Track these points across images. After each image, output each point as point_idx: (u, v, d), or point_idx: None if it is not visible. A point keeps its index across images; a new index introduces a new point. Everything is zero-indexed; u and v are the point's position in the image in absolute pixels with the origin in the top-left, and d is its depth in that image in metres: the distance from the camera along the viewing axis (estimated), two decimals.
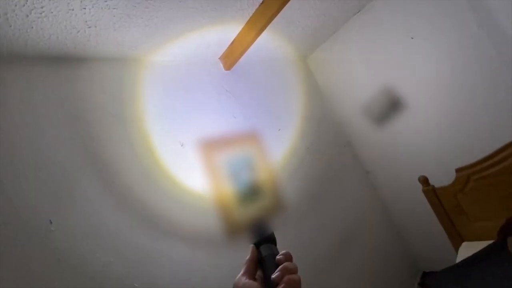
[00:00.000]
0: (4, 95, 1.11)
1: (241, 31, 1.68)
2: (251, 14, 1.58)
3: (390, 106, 2.23)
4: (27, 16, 1.02)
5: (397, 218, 2.46)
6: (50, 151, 1.14)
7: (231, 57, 1.85)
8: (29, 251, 0.97)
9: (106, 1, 1.10)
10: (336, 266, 1.87)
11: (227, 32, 1.67)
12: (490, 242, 1.48)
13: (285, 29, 1.95)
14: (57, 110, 1.22)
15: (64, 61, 1.31)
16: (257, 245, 0.53)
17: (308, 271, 1.69)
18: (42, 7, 1.01)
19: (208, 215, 1.45)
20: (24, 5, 0.98)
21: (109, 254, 1.12)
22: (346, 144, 2.52)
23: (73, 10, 1.07)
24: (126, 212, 1.22)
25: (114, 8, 1.15)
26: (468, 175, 1.67)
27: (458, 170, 1.71)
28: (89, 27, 1.20)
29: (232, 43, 1.77)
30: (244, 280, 0.46)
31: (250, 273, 0.48)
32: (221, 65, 1.93)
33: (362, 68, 2.31)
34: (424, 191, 1.83)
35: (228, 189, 1.57)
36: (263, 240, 0.53)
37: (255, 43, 1.71)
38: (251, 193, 1.65)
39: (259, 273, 0.49)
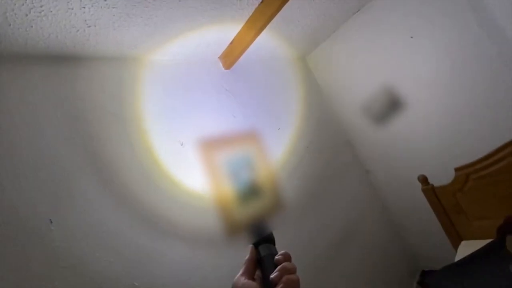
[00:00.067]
0: (4, 95, 1.11)
1: (240, 30, 1.68)
2: (250, 14, 1.58)
3: (390, 105, 2.23)
4: (27, 15, 1.02)
5: (396, 217, 2.47)
6: (50, 151, 1.14)
7: (230, 56, 1.84)
8: (29, 250, 0.97)
9: (105, 0, 1.09)
10: (335, 265, 1.87)
11: (227, 31, 1.66)
12: (489, 241, 1.49)
13: (285, 29, 1.95)
14: (57, 109, 1.22)
15: (64, 60, 1.31)
16: (256, 245, 0.53)
17: (307, 270, 1.69)
18: (41, 6, 1.01)
19: (208, 214, 1.45)
20: (23, 4, 0.97)
21: (109, 254, 1.12)
22: (345, 143, 2.52)
23: (72, 9, 1.07)
24: (126, 211, 1.22)
25: (113, 7, 1.15)
26: (467, 174, 1.68)
27: (457, 169, 1.72)
28: (89, 26, 1.20)
29: (232, 42, 1.77)
30: (243, 280, 0.46)
31: (249, 273, 0.48)
32: (221, 64, 1.93)
33: (361, 67, 2.31)
34: (423, 190, 1.84)
35: (228, 188, 1.57)
36: (262, 240, 0.53)
37: (254, 42, 1.71)
38: (250, 192, 1.66)
39: (258, 273, 0.49)
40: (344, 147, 2.50)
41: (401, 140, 2.25)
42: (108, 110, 1.35)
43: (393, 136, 2.28)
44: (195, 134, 1.59)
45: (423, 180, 1.84)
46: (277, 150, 1.96)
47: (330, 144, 2.39)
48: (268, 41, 1.95)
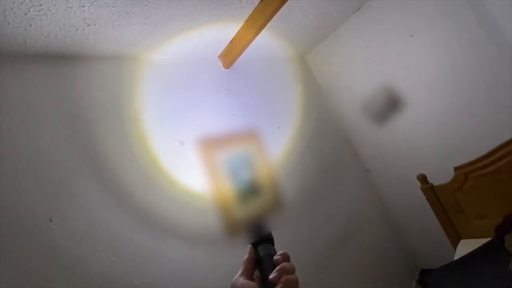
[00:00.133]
0: (3, 94, 1.11)
1: (240, 29, 1.67)
2: (250, 12, 1.58)
3: (389, 104, 2.23)
4: (26, 14, 1.02)
5: (395, 216, 2.48)
6: (49, 150, 1.14)
7: (230, 55, 1.84)
8: (29, 249, 0.98)
9: None
10: (335, 264, 1.87)
11: (226, 30, 1.66)
12: (488, 239, 1.49)
13: (285, 28, 1.95)
14: (56, 108, 1.22)
15: (63, 59, 1.30)
16: (255, 245, 0.53)
17: (307, 269, 1.70)
18: (40, 5, 1.01)
19: (208, 213, 1.45)
20: (22, 3, 0.97)
21: (109, 253, 1.12)
22: (345, 142, 2.52)
23: (71, 8, 1.07)
24: (125, 210, 1.22)
25: (113, 6, 1.15)
26: (467, 173, 1.68)
27: (456, 168, 1.72)
28: (88, 25, 1.19)
29: (232, 41, 1.77)
30: (242, 280, 0.46)
31: (248, 274, 0.48)
32: (220, 64, 1.93)
33: (361, 67, 2.31)
34: (423, 189, 1.84)
35: (227, 188, 1.57)
36: (261, 240, 0.53)
37: (254, 41, 1.71)
38: (250, 191, 1.66)
39: (256, 273, 0.49)
40: (344, 146, 2.50)
41: (400, 139, 2.25)
42: (107, 109, 1.35)
43: (393, 135, 2.28)
44: (194, 133, 1.59)
45: (423, 179, 1.84)
46: (277, 149, 1.96)
47: (330, 143, 2.39)
48: (267, 40, 1.95)
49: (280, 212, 1.77)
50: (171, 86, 1.63)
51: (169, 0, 1.24)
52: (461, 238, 1.76)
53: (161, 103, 1.55)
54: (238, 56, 1.83)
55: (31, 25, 1.08)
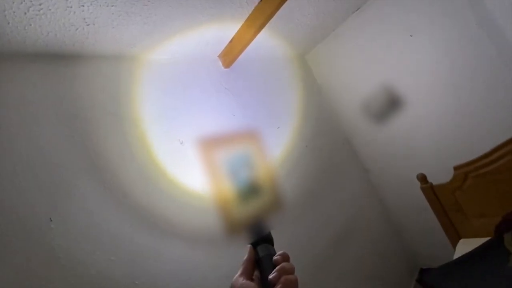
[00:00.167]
0: (2, 93, 1.11)
1: (240, 28, 1.67)
2: (250, 12, 1.57)
3: (389, 104, 2.23)
4: (25, 13, 1.02)
5: (395, 215, 2.48)
6: (49, 149, 1.14)
7: (230, 55, 1.84)
8: (30, 249, 0.98)
9: None
10: (334, 264, 1.88)
11: (226, 29, 1.66)
12: (487, 239, 1.49)
13: (284, 27, 1.95)
14: (56, 107, 1.22)
15: (63, 59, 1.30)
16: (254, 245, 0.53)
17: (306, 269, 1.70)
18: (40, 4, 1.01)
19: (207, 213, 1.45)
20: (22, 3, 0.97)
21: (109, 252, 1.12)
22: (344, 142, 2.52)
23: (71, 7, 1.07)
24: (125, 210, 1.22)
25: (112, 6, 1.14)
26: (466, 172, 1.68)
27: (456, 168, 1.72)
28: (88, 25, 1.19)
29: (231, 41, 1.77)
30: (242, 280, 0.46)
31: (248, 274, 0.48)
32: (220, 63, 1.93)
33: (361, 66, 2.31)
34: (422, 189, 1.84)
35: (227, 187, 1.57)
36: (260, 240, 0.53)
37: (254, 41, 1.71)
38: (250, 191, 1.66)
39: (256, 273, 0.49)
40: (344, 146, 2.50)
41: (400, 139, 2.25)
42: (107, 108, 1.35)
43: (393, 134, 2.28)
44: (194, 133, 1.58)
45: (422, 178, 1.85)
46: (277, 148, 1.96)
47: (329, 143, 2.39)
48: (267, 39, 1.94)
49: (280, 212, 1.77)
50: (170, 85, 1.63)
51: None
52: (460, 237, 1.76)
53: (160, 102, 1.54)
54: (238, 55, 1.83)
55: (30, 25, 1.07)
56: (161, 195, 1.34)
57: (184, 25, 1.46)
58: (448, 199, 1.77)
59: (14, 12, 0.99)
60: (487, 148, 1.62)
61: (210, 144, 1.62)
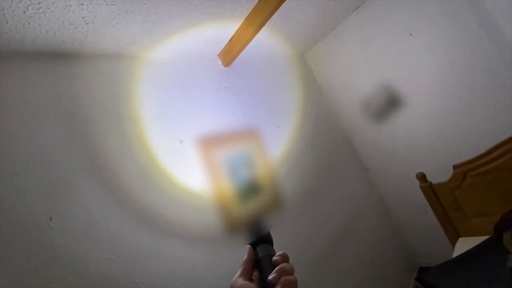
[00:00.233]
0: (1, 92, 1.10)
1: (239, 27, 1.67)
2: (249, 11, 1.57)
3: (389, 103, 2.23)
4: (24, 12, 1.01)
5: (394, 214, 2.49)
6: (48, 148, 1.14)
7: (229, 53, 1.84)
8: (30, 248, 0.98)
9: None
10: (334, 263, 1.88)
11: (226, 28, 1.66)
12: (486, 237, 1.50)
13: (284, 26, 1.94)
14: (55, 106, 1.22)
15: (62, 58, 1.30)
16: (254, 245, 0.53)
17: (306, 268, 1.70)
18: (39, 3, 1.00)
19: (207, 212, 1.45)
20: (21, 1, 0.97)
21: (109, 251, 1.12)
22: (344, 141, 2.52)
23: (70, 6, 1.07)
24: (125, 209, 1.22)
25: (112, 4, 1.14)
26: (465, 171, 1.69)
27: (455, 167, 1.73)
28: (87, 24, 1.19)
29: (231, 39, 1.76)
30: (241, 281, 0.46)
31: (247, 274, 0.48)
32: (220, 62, 1.92)
33: (360, 65, 2.30)
34: (422, 188, 1.85)
35: (227, 186, 1.57)
36: (260, 240, 0.54)
37: (254, 39, 1.70)
38: (250, 190, 1.66)
39: (256, 274, 0.49)
40: (343, 145, 2.50)
41: (400, 138, 2.25)
42: (106, 107, 1.34)
43: (392, 133, 2.28)
44: (194, 132, 1.58)
45: (421, 177, 1.85)
46: (276, 147, 1.96)
47: (329, 142, 2.39)
48: (267, 38, 1.94)
49: (280, 211, 1.77)
50: (170, 84, 1.62)
51: None
52: (459, 236, 1.77)
53: (160, 101, 1.54)
54: (238, 54, 1.83)
55: (29, 23, 1.07)
56: (160, 194, 1.35)
57: (183, 23, 1.45)
58: (447, 198, 1.77)
59: (13, 11, 0.99)
60: (486, 147, 1.63)
61: (209, 143, 1.62)
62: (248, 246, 0.53)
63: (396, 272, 2.27)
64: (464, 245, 1.62)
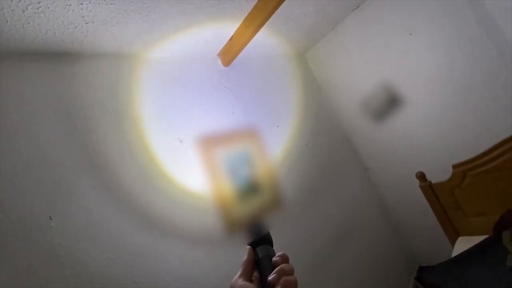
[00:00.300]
0: (1, 92, 1.10)
1: (239, 27, 1.67)
2: (249, 11, 1.57)
3: (389, 103, 2.23)
4: (24, 11, 1.01)
5: (394, 213, 2.49)
6: (48, 148, 1.14)
7: (229, 53, 1.84)
8: (30, 248, 0.98)
9: None
10: (334, 262, 1.88)
11: (226, 28, 1.66)
12: (486, 237, 1.50)
13: (284, 26, 1.94)
14: (55, 106, 1.21)
15: (61, 57, 1.30)
16: (254, 246, 0.53)
17: (306, 267, 1.70)
18: (39, 2, 1.00)
19: (207, 212, 1.45)
20: (20, 0, 0.96)
21: (109, 251, 1.12)
22: (344, 140, 2.53)
23: (70, 5, 1.06)
24: (125, 209, 1.22)
25: (111, 4, 1.14)
26: (465, 171, 1.69)
27: (455, 166, 1.73)
28: (87, 23, 1.19)
29: (231, 39, 1.76)
30: (241, 282, 0.46)
31: (247, 275, 0.48)
32: (220, 61, 1.92)
33: (360, 65, 2.30)
34: (421, 187, 1.85)
35: (227, 186, 1.57)
36: (260, 240, 0.54)
37: (253, 39, 1.70)
38: (249, 189, 1.66)
39: (255, 274, 0.50)
40: (343, 145, 2.50)
41: (399, 137, 2.26)
42: (106, 107, 1.34)
43: (392, 133, 2.28)
44: (194, 132, 1.58)
45: (421, 177, 1.85)
46: (276, 147, 1.96)
47: (329, 141, 2.39)
48: (267, 38, 1.94)
49: (279, 211, 1.78)
50: (170, 84, 1.62)
51: None
52: (459, 235, 1.77)
53: (160, 101, 1.54)
54: (237, 54, 1.83)
55: (29, 23, 1.07)
56: (160, 193, 1.34)
57: (183, 23, 1.45)
58: (447, 197, 1.77)
59: (12, 10, 0.99)
60: (486, 147, 1.63)
61: (209, 142, 1.62)
62: (248, 246, 0.53)
63: (396, 272, 2.27)
64: (463, 244, 1.63)
